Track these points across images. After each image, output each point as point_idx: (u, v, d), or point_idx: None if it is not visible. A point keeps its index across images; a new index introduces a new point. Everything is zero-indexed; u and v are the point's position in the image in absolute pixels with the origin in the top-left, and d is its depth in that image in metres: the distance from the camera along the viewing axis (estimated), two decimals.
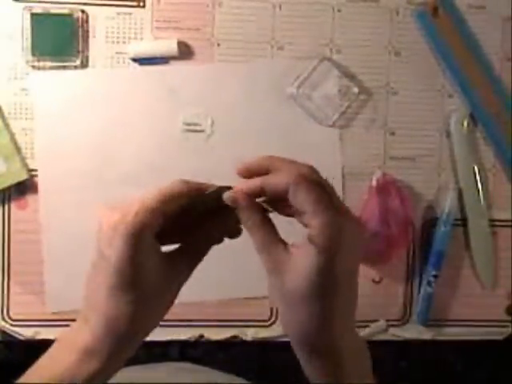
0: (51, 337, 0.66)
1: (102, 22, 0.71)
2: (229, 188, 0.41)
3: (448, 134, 0.76)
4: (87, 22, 0.71)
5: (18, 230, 0.71)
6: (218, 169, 0.69)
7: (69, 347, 0.41)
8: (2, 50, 0.70)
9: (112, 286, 0.39)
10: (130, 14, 0.71)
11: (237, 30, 0.73)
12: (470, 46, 0.75)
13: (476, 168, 0.76)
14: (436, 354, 0.81)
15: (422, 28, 0.75)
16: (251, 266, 0.72)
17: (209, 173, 0.71)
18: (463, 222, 0.77)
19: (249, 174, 0.41)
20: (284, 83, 0.73)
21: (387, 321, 0.77)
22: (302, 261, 0.38)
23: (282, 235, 0.41)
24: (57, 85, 0.71)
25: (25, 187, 0.71)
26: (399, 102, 0.75)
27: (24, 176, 0.70)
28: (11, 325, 0.72)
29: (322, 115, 0.74)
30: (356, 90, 0.74)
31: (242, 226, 0.42)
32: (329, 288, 0.38)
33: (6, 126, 0.70)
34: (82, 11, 0.70)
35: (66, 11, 0.70)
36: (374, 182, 0.73)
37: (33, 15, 0.69)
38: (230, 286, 0.74)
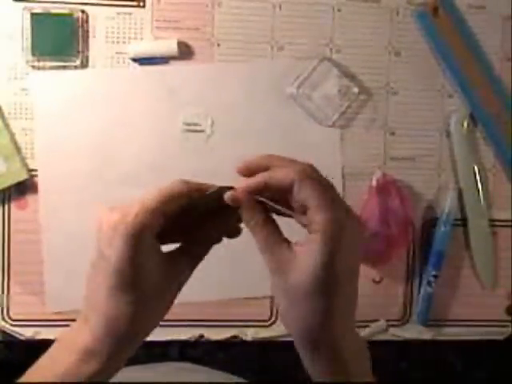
0: (51, 337, 0.66)
1: (102, 22, 0.71)
2: (230, 188, 0.41)
3: (448, 134, 0.76)
4: (87, 22, 0.71)
5: (18, 229, 0.71)
6: (218, 169, 0.69)
7: (69, 347, 0.41)
8: (2, 50, 0.70)
9: (112, 286, 0.39)
10: (130, 14, 0.71)
11: (237, 29, 0.73)
12: (470, 46, 0.75)
13: (476, 168, 0.76)
14: (436, 354, 0.81)
15: (422, 28, 0.75)
16: (251, 266, 0.72)
17: (209, 173, 0.71)
18: (463, 222, 0.77)
19: (249, 172, 0.41)
20: (284, 83, 0.73)
21: (387, 321, 0.77)
22: (306, 258, 0.38)
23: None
24: (57, 85, 0.71)
25: (25, 187, 0.71)
26: (399, 102, 0.75)
27: (24, 176, 0.70)
28: (11, 325, 0.72)
29: (321, 115, 0.74)
30: (356, 90, 0.74)
31: (244, 226, 0.42)
32: (331, 285, 0.38)
33: (6, 126, 0.70)
34: (82, 11, 0.70)
35: (65, 11, 0.70)
36: (374, 182, 0.73)
37: (33, 15, 0.69)
38: (230, 286, 0.74)
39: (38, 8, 0.69)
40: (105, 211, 0.41)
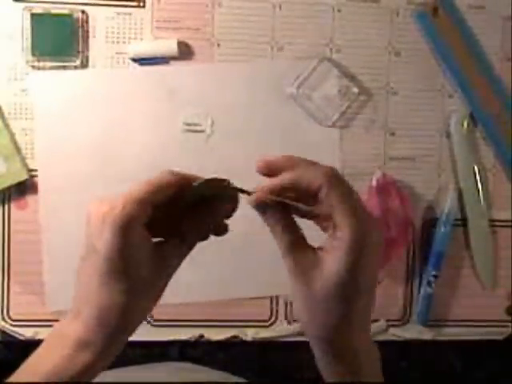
0: None
1: (101, 22, 0.71)
2: (218, 180, 0.41)
3: (448, 134, 0.76)
4: (87, 22, 0.71)
5: (17, 230, 0.71)
6: (218, 169, 0.69)
7: (61, 342, 0.41)
8: (2, 49, 0.70)
9: (104, 275, 0.39)
10: (130, 14, 0.71)
11: (237, 29, 0.73)
12: (469, 46, 0.75)
13: (476, 168, 0.76)
14: (436, 354, 0.81)
15: (422, 28, 0.75)
16: (251, 266, 0.72)
17: (209, 173, 0.71)
18: (463, 222, 0.77)
19: (269, 171, 0.41)
20: (284, 83, 0.73)
21: (387, 321, 0.77)
22: (330, 265, 0.38)
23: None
24: (57, 85, 0.71)
25: (25, 187, 0.71)
26: (399, 102, 0.75)
27: (24, 176, 0.70)
28: (11, 325, 0.72)
29: (321, 115, 0.74)
30: (356, 90, 0.74)
31: (267, 227, 0.41)
32: (353, 291, 0.39)
33: (6, 126, 0.70)
34: (82, 11, 0.70)
35: (65, 11, 0.70)
36: (374, 182, 0.73)
37: (33, 15, 0.69)
38: (230, 286, 0.74)
39: (37, 8, 0.69)
40: (94, 204, 0.41)
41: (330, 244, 0.39)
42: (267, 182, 0.40)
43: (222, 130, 0.73)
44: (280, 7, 0.73)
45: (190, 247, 0.44)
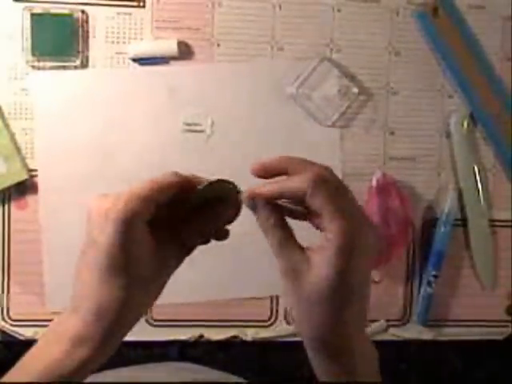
0: None
1: (101, 22, 0.71)
2: (223, 181, 0.41)
3: (448, 134, 0.76)
4: (87, 22, 0.71)
5: (17, 229, 0.71)
6: (218, 169, 0.69)
7: (58, 338, 0.41)
8: (2, 50, 0.70)
9: (104, 268, 0.39)
10: (130, 14, 0.71)
11: (237, 29, 0.73)
12: (470, 46, 0.75)
13: (476, 168, 0.76)
14: (436, 354, 0.81)
15: (422, 28, 0.75)
16: (251, 266, 0.72)
17: (209, 173, 0.71)
18: (463, 222, 0.77)
19: (264, 173, 0.41)
20: (284, 83, 0.73)
21: (387, 321, 0.77)
22: (320, 266, 0.38)
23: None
24: (57, 85, 0.71)
25: (25, 187, 0.71)
26: (399, 102, 0.75)
27: (24, 176, 0.70)
28: (11, 325, 0.72)
29: (321, 115, 0.74)
30: (356, 90, 0.74)
31: (260, 226, 0.41)
32: (345, 291, 0.38)
33: (6, 126, 0.70)
34: (82, 11, 0.70)
35: (66, 11, 0.70)
36: (374, 182, 0.73)
37: (33, 15, 0.69)
38: (230, 286, 0.74)
39: (37, 8, 0.69)
40: (95, 199, 0.41)
41: (319, 245, 0.39)
42: (258, 189, 0.41)
43: (221, 130, 0.73)
44: (280, 7, 0.73)
45: (190, 250, 0.44)
